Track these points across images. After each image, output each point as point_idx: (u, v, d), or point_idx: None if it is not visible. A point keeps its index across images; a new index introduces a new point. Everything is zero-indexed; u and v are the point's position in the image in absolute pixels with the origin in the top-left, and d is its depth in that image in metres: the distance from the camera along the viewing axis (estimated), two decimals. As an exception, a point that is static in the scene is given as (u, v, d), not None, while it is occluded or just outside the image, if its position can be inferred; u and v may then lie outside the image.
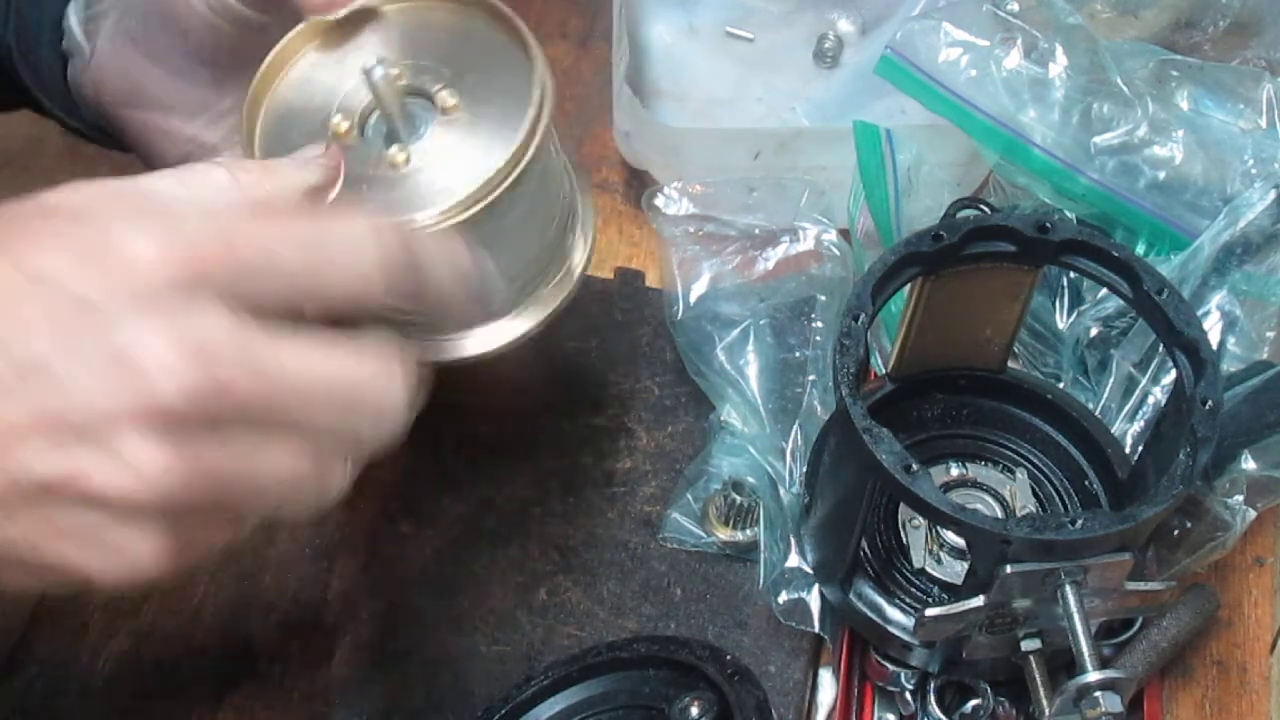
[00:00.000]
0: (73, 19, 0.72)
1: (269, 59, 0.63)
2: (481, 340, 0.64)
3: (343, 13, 0.62)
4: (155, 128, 0.74)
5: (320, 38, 0.63)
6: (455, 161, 0.60)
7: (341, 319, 0.51)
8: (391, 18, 0.63)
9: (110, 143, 0.75)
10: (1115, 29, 0.83)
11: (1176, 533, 0.67)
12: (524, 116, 0.59)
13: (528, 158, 0.59)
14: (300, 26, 0.63)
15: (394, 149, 0.60)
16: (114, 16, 0.71)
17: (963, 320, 0.66)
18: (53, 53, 0.74)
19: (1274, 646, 0.70)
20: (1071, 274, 0.72)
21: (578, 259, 0.66)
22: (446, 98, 0.61)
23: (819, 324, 0.76)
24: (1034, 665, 0.61)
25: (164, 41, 0.70)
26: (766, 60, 0.93)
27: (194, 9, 0.67)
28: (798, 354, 0.76)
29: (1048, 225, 0.61)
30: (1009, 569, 0.56)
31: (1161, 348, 0.65)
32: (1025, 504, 0.67)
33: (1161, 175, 0.74)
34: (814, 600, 0.68)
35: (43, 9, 0.73)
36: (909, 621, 0.64)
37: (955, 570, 0.64)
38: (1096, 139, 0.74)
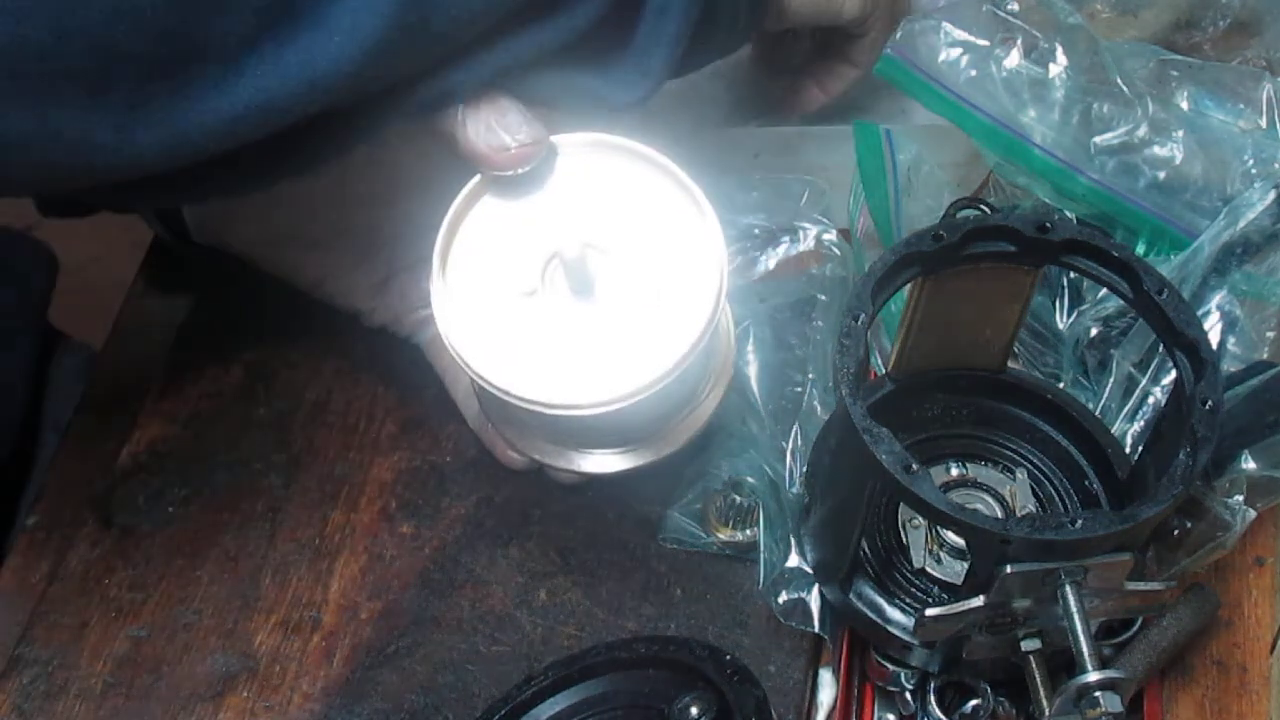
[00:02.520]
0: None
1: (450, 216, 0.65)
2: (621, 460, 0.69)
3: (523, 170, 0.64)
4: (288, 260, 0.76)
5: (493, 187, 0.65)
6: (635, 318, 0.63)
7: None
8: (558, 162, 0.66)
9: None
10: (1115, 29, 0.83)
11: (1176, 533, 0.67)
12: (702, 274, 0.63)
13: (704, 341, 0.62)
14: (475, 180, 0.65)
15: (589, 314, 0.63)
16: None
17: (963, 320, 0.66)
18: None
19: (1274, 646, 0.70)
20: (1071, 274, 0.72)
21: (713, 390, 0.70)
22: (622, 253, 0.64)
23: (819, 324, 0.76)
24: (1034, 665, 0.61)
25: (289, 186, 0.70)
26: (766, 60, 0.93)
27: None
28: (798, 354, 0.76)
29: (1048, 225, 0.61)
30: (1009, 569, 0.56)
31: (1161, 348, 0.65)
32: (1025, 504, 0.67)
33: (1161, 175, 0.74)
34: (814, 600, 0.68)
35: None
36: (909, 621, 0.64)
37: (955, 570, 0.64)
38: (1096, 139, 0.74)
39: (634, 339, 0.63)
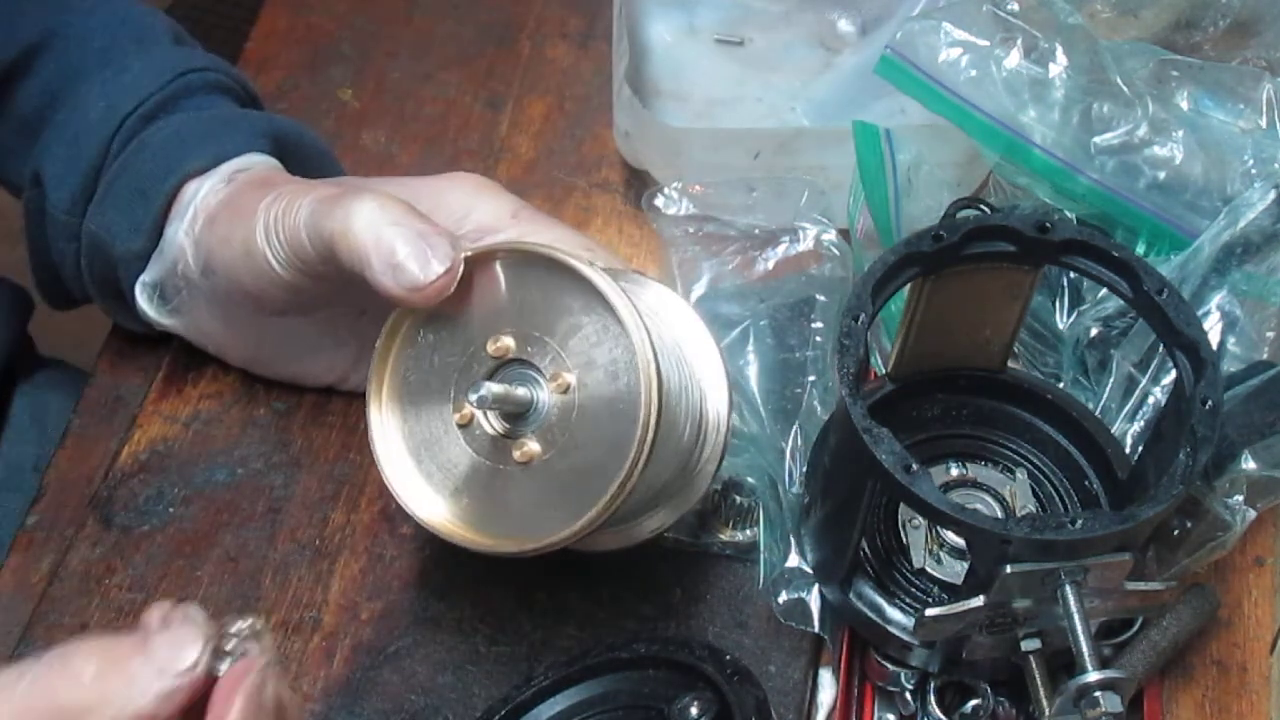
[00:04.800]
0: (150, 311, 0.74)
1: (379, 345, 0.63)
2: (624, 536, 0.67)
3: (436, 300, 0.61)
4: (263, 371, 0.78)
5: (416, 317, 0.63)
6: (581, 442, 0.60)
7: None
8: (485, 273, 0.62)
9: None
10: (1115, 29, 0.83)
11: (1176, 533, 0.67)
12: (637, 390, 0.58)
13: (644, 456, 0.58)
14: (395, 314, 0.63)
15: (524, 446, 0.61)
16: (194, 301, 0.73)
17: (963, 320, 0.66)
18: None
19: (1274, 646, 0.70)
20: (1071, 274, 0.72)
21: (709, 455, 0.66)
22: (559, 375, 0.60)
23: (819, 324, 0.76)
24: (1034, 665, 0.61)
25: (258, 320, 0.72)
26: (766, 60, 0.93)
27: (275, 297, 0.69)
28: (798, 354, 0.76)
29: (1048, 225, 0.61)
30: (1009, 569, 0.56)
31: (1161, 348, 0.65)
32: (1025, 504, 0.67)
33: (1161, 175, 0.74)
34: (814, 600, 0.68)
35: (116, 264, 0.74)
36: (909, 621, 0.64)
37: (955, 570, 0.64)
38: (1096, 139, 0.74)
39: (576, 468, 0.60)
